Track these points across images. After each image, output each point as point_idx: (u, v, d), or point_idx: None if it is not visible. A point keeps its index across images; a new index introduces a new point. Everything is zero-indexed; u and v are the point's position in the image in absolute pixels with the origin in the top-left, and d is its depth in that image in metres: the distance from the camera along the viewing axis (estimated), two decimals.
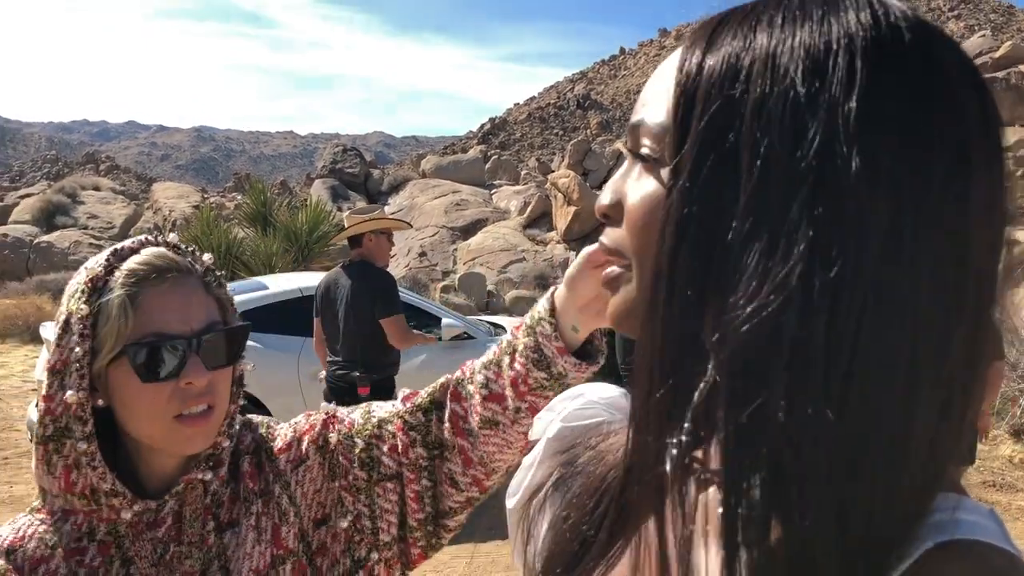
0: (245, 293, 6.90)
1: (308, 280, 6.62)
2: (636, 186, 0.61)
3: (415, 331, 4.97)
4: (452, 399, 1.21)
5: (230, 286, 7.86)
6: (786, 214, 0.50)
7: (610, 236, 0.64)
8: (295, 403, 6.00)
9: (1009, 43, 28.51)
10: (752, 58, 0.54)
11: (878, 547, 0.49)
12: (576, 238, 21.27)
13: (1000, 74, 24.68)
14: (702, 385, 0.52)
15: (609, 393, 0.87)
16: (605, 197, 0.64)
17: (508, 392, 1.13)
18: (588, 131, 65.37)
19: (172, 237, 1.21)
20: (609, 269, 0.64)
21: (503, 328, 7.64)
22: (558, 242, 21.60)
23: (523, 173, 32.24)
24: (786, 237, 0.50)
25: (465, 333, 6.92)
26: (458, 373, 1.24)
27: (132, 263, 1.12)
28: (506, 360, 1.15)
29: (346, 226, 5.14)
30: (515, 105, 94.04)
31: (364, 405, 1.31)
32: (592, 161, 27.68)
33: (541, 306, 1.10)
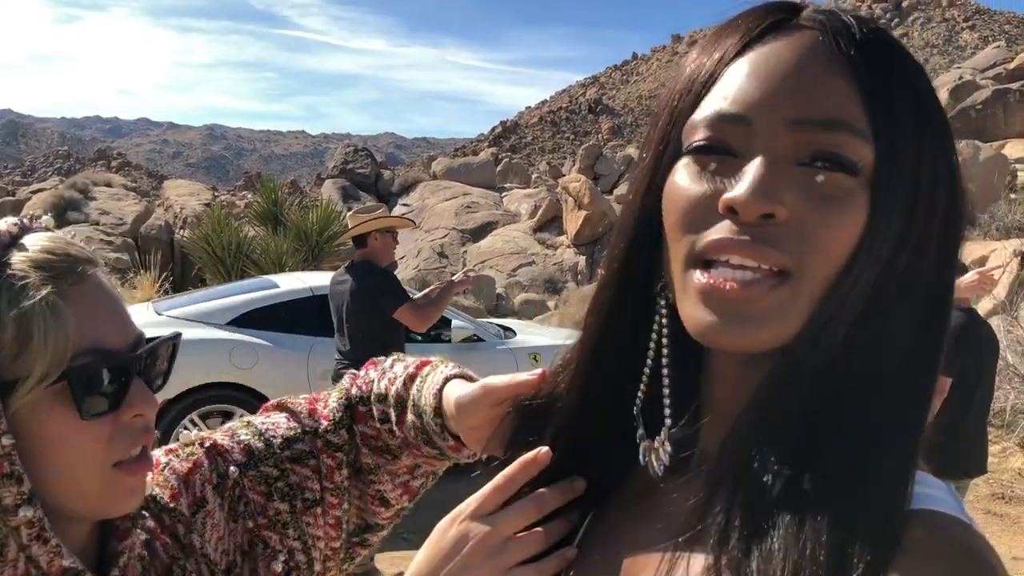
0: (256, 292, 6.92)
1: (319, 280, 6.63)
2: (838, 205, 0.59)
3: (427, 304, 4.92)
4: (359, 421, 1.08)
5: (241, 284, 7.90)
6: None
7: (770, 238, 0.59)
8: None
9: (1023, 54, 28.40)
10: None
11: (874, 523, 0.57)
12: (586, 242, 21.25)
13: (1015, 85, 24.59)
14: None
15: None
16: (772, 199, 0.59)
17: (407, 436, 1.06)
18: (599, 136, 65.41)
19: (46, 219, 0.90)
20: (753, 274, 0.60)
21: (513, 331, 7.64)
22: (568, 246, 21.58)
23: (534, 177, 32.26)
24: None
25: (475, 335, 6.92)
26: (354, 389, 1.12)
27: (34, 254, 0.81)
28: (394, 415, 1.07)
29: (349, 226, 5.16)
30: (527, 108, 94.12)
31: (239, 422, 1.08)
32: (603, 166, 27.68)
33: (427, 401, 1.01)
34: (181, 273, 18.16)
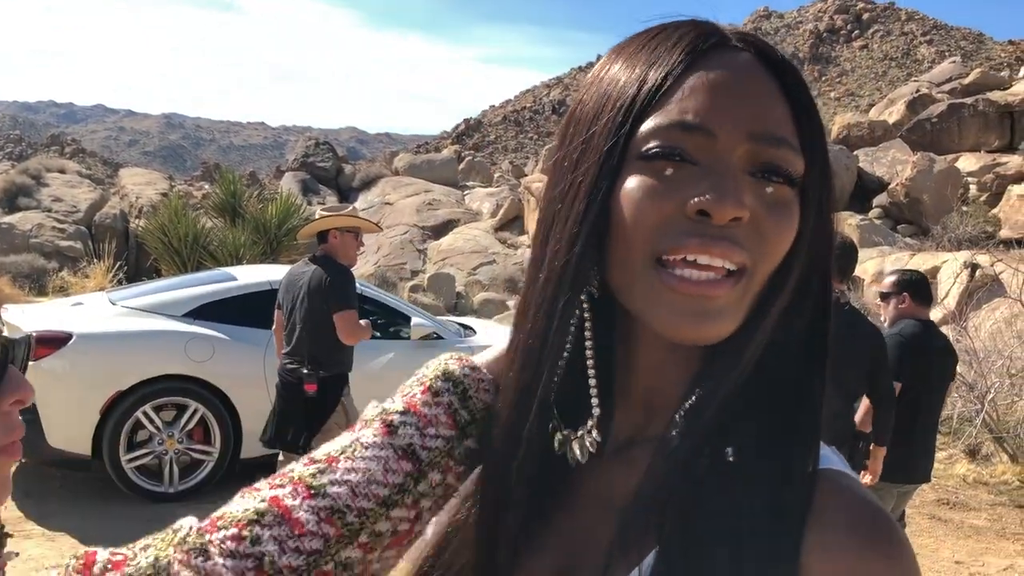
0: (213, 284, 6.84)
1: (278, 273, 6.57)
2: (785, 211, 0.66)
3: (363, 323, 4.89)
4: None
5: (197, 276, 7.78)
6: None
7: (736, 238, 0.65)
8: (260, 396, 5.96)
9: (978, 70, 29.04)
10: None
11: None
12: None
13: (969, 100, 25.09)
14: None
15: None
16: (741, 203, 0.64)
17: None
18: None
19: None
20: (715, 274, 0.65)
21: (472, 330, 7.64)
22: (529, 246, 21.55)
23: (496, 176, 32.24)
24: None
25: (435, 333, 6.91)
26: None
27: None
28: None
29: (316, 219, 5.16)
30: (490, 107, 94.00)
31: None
32: None
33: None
34: (136, 263, 17.88)
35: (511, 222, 23.17)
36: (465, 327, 7.72)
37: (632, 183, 0.66)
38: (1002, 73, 31.33)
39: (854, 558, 0.62)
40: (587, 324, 0.73)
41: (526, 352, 0.74)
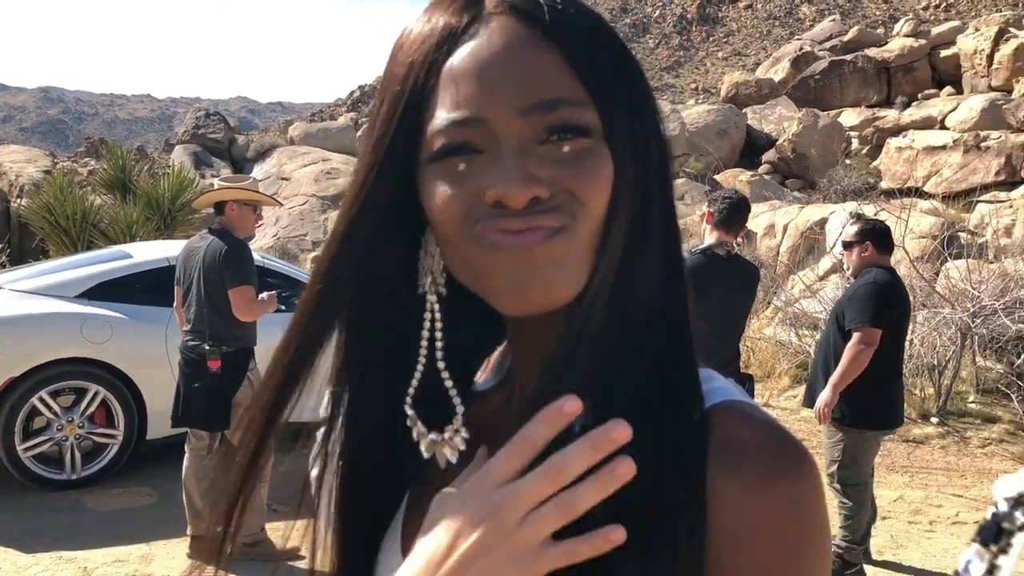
0: (108, 263, 6.62)
1: (175, 248, 6.39)
2: (588, 162, 0.66)
3: (260, 298, 4.79)
4: None
5: (90, 255, 7.50)
6: None
7: (544, 210, 0.65)
8: (164, 376, 5.82)
9: (856, 28, 30.02)
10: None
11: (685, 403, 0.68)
12: None
13: (848, 57, 25.99)
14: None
15: None
16: (532, 182, 0.64)
17: None
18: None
19: None
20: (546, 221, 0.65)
21: None
22: None
23: None
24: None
25: None
26: None
27: None
28: None
29: (213, 190, 5.04)
30: None
31: None
32: None
33: None
34: (19, 245, 17.07)
35: None
36: None
37: (431, 186, 0.67)
38: (878, 31, 32.50)
39: (763, 479, 0.63)
40: (438, 324, 0.73)
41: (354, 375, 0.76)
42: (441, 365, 0.73)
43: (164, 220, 13.75)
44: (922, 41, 25.18)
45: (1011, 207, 15.18)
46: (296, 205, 22.64)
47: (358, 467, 0.78)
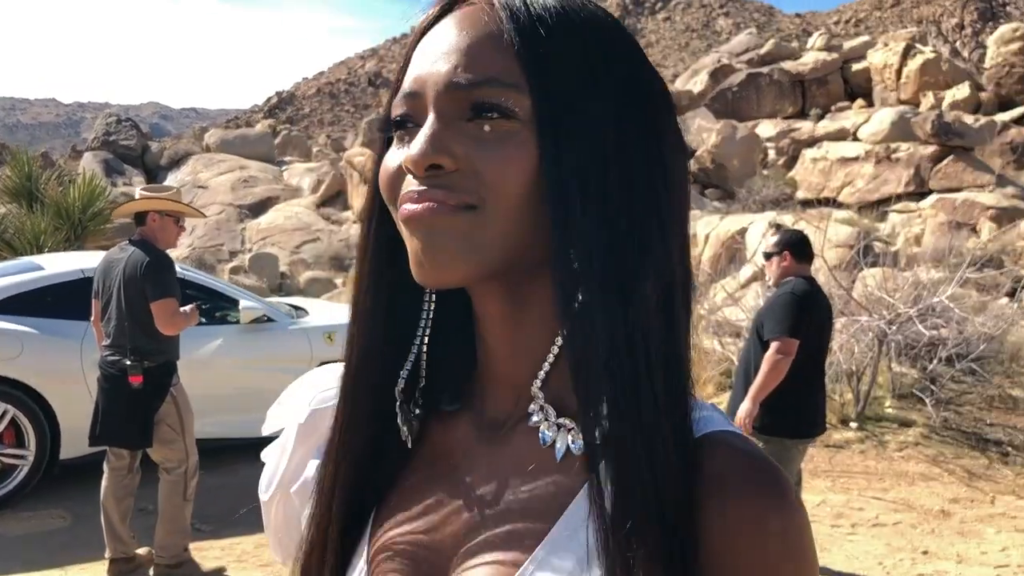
0: (16, 275, 6.33)
1: (90, 260, 6.15)
2: (502, 144, 0.66)
3: (183, 311, 4.65)
4: None
5: None
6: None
7: (443, 185, 0.66)
8: (79, 392, 5.60)
9: (772, 41, 30.82)
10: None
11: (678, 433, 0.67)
12: None
13: (765, 70, 26.66)
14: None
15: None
16: (436, 151, 0.65)
17: None
18: (380, 109, 64.59)
19: None
20: (436, 204, 0.66)
21: (304, 310, 7.45)
22: (354, 222, 21.27)
23: (315, 150, 31.47)
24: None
25: (265, 316, 6.69)
26: None
27: None
28: None
29: (135, 199, 4.88)
30: (303, 80, 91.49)
31: None
32: None
33: None
34: None
35: (334, 198, 22.71)
36: (297, 308, 7.52)
37: (387, 155, 0.71)
38: (792, 44, 33.43)
39: (750, 512, 0.64)
40: (432, 306, 0.77)
41: (361, 345, 0.78)
42: (421, 341, 0.77)
43: (74, 230, 13.27)
44: (835, 55, 25.99)
45: (920, 217, 15.77)
46: (213, 214, 22.13)
47: (346, 454, 0.78)
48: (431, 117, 0.67)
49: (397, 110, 0.70)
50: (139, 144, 27.84)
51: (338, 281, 16.30)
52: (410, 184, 0.67)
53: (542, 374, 0.70)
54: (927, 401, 8.06)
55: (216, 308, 6.62)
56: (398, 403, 0.77)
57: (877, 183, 18.84)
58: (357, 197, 21.39)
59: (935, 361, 8.41)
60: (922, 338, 8.21)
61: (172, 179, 24.21)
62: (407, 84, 0.70)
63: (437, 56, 0.68)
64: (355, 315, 0.78)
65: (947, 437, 7.72)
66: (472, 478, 0.74)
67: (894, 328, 8.17)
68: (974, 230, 16.28)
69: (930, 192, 18.53)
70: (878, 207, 17.24)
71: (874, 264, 10.22)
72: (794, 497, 0.66)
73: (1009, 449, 7.54)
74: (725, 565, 0.64)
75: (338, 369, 0.88)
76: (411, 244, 0.68)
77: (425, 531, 0.74)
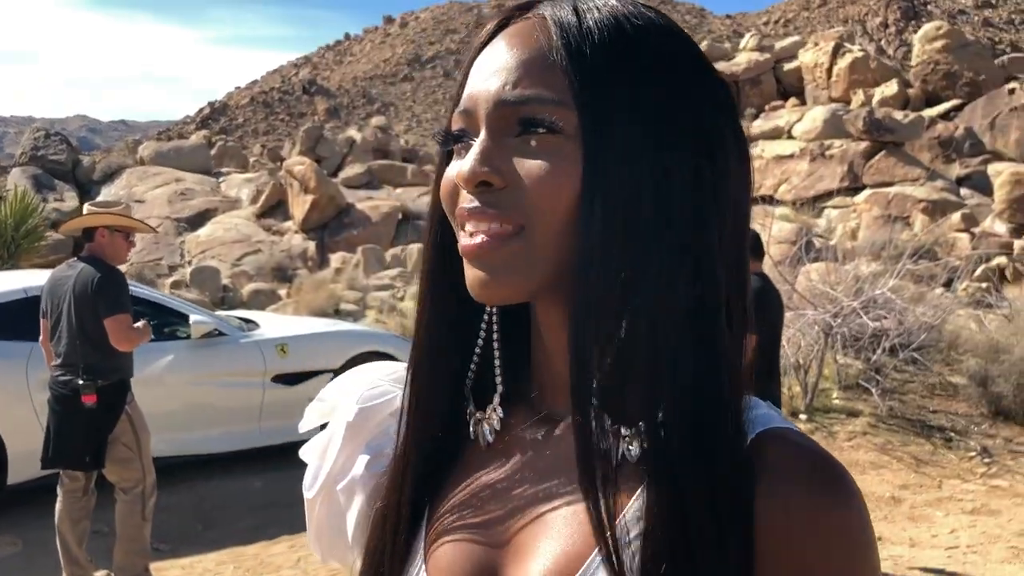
0: None
1: (33, 279, 5.98)
2: (547, 160, 0.67)
3: (136, 326, 4.56)
4: None
5: None
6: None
7: (493, 203, 0.69)
8: (26, 414, 5.46)
9: (705, 43, 31.30)
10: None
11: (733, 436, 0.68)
12: (315, 227, 20.80)
13: None
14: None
15: (391, 368, 0.90)
16: (484, 167, 0.68)
17: None
18: (316, 117, 64.10)
19: None
20: (484, 236, 0.69)
21: (255, 323, 7.34)
22: (296, 232, 21.01)
23: (252, 160, 31.04)
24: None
25: (216, 330, 6.58)
26: None
27: None
28: None
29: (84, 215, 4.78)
30: (236, 89, 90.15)
31: None
32: (325, 148, 27.14)
33: None
34: None
35: (274, 208, 22.39)
36: (247, 321, 7.41)
37: (447, 168, 0.74)
38: (724, 45, 33.99)
39: (808, 508, 0.65)
40: (494, 314, 0.79)
41: (425, 347, 0.80)
42: (495, 344, 0.79)
43: (7, 249, 12.91)
44: (767, 55, 26.47)
45: (856, 211, 16.16)
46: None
47: (413, 453, 0.79)
48: (482, 133, 0.70)
49: (455, 125, 0.73)
50: (70, 158, 27.10)
51: (282, 292, 16.08)
52: (464, 200, 0.70)
53: (596, 381, 0.68)
54: (873, 391, 8.26)
55: (166, 323, 6.48)
56: (467, 402, 0.80)
57: (813, 180, 19.26)
58: (297, 207, 21.13)
59: (879, 351, 8.62)
60: (866, 330, 8.41)
61: (106, 193, 23.63)
62: (463, 101, 0.72)
63: (489, 74, 0.71)
64: (420, 318, 0.80)
65: (893, 425, 7.93)
66: (528, 474, 0.75)
67: (839, 321, 8.36)
68: (907, 223, 16.74)
69: (864, 187, 19.00)
70: (815, 203, 17.62)
71: (816, 259, 10.43)
72: (856, 492, 0.67)
73: (952, 434, 7.78)
74: (786, 563, 0.64)
75: (380, 368, 0.91)
76: (468, 271, 0.71)
77: (480, 525, 0.75)
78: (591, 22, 0.69)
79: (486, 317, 0.79)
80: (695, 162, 0.69)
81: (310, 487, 0.87)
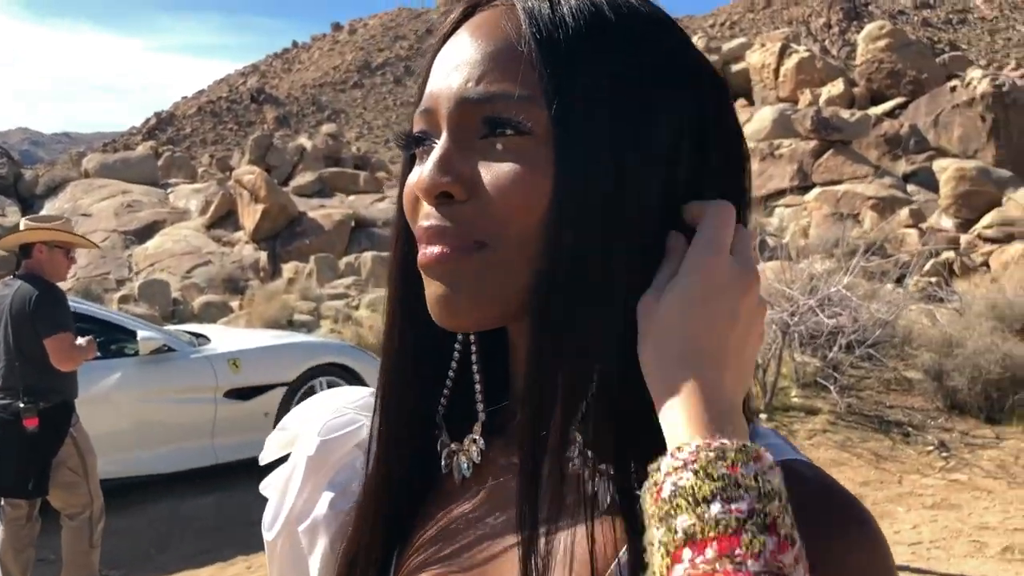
0: None
1: None
2: (511, 162, 0.60)
3: (79, 344, 4.41)
4: None
5: None
6: None
7: (454, 217, 0.61)
8: None
9: None
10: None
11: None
12: (266, 237, 20.53)
13: None
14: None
15: (358, 395, 0.83)
16: (444, 174, 0.60)
17: None
18: (265, 126, 63.59)
19: None
20: (443, 248, 0.61)
21: (206, 337, 7.16)
22: (247, 242, 20.72)
23: (200, 171, 30.60)
24: None
25: (165, 346, 6.40)
26: None
27: None
28: None
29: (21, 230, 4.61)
30: (183, 99, 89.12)
31: None
32: (275, 157, 26.86)
33: None
34: None
35: (224, 218, 22.08)
36: (197, 335, 7.23)
37: (408, 176, 0.67)
38: None
39: (829, 550, 0.58)
40: (471, 336, 0.71)
41: (394, 373, 0.72)
42: (474, 368, 0.71)
43: None
44: (715, 57, 26.76)
45: (806, 210, 16.36)
46: (97, 242, 21.25)
47: (382, 490, 0.72)
48: (443, 136, 0.62)
49: (416, 126, 0.65)
50: (11, 172, 26.51)
51: (234, 304, 15.82)
52: (424, 214, 0.63)
53: (579, 415, 0.61)
54: (831, 388, 8.31)
55: (112, 340, 6.30)
56: (440, 432, 0.72)
57: (763, 179, 19.48)
58: (248, 217, 20.84)
59: (835, 349, 8.68)
60: (823, 327, 8.46)
61: (50, 207, 23.13)
62: (424, 100, 0.65)
63: (451, 69, 0.63)
64: (388, 341, 0.72)
65: (852, 422, 7.99)
66: (501, 503, 0.67)
67: (796, 319, 8.40)
68: (857, 220, 16.99)
69: (814, 185, 19.27)
70: (766, 203, 17.81)
71: (771, 258, 10.50)
72: (876, 529, 0.61)
73: (909, 429, 7.86)
74: None
75: (344, 394, 0.83)
76: (428, 288, 0.64)
77: (452, 559, 0.68)
78: (566, 9, 0.61)
79: (460, 338, 0.71)
80: (684, 165, 0.62)
81: (270, 527, 0.80)
